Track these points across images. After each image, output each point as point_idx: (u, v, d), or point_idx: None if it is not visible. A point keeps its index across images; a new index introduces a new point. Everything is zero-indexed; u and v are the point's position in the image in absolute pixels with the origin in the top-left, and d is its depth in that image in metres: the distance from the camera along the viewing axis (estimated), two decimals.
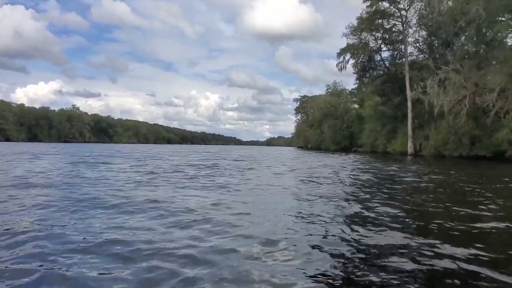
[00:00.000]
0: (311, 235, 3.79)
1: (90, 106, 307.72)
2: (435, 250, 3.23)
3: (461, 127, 26.98)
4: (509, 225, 4.37)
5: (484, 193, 7.55)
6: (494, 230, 4.18)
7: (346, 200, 6.35)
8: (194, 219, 4.34)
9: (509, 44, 20.81)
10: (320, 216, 4.76)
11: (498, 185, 9.40)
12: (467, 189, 8.48)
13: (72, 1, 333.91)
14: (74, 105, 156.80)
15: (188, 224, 4.12)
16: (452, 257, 3.02)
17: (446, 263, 2.90)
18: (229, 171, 12.05)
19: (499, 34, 20.30)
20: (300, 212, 5.03)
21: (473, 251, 3.21)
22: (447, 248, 3.26)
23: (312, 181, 9.34)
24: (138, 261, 2.87)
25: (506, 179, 10.99)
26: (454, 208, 5.53)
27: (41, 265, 2.74)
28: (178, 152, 35.63)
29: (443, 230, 4.06)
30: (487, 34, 23.82)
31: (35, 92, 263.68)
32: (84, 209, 4.87)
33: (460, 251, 3.18)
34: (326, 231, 3.97)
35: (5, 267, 2.71)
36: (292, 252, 3.20)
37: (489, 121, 23.34)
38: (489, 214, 5.10)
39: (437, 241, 3.47)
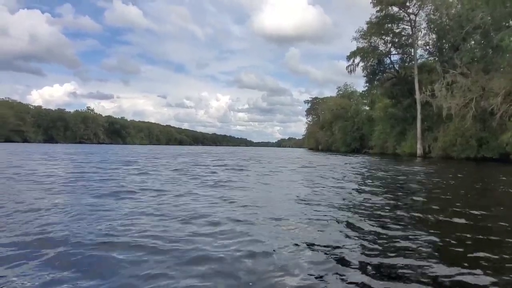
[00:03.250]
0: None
1: (103, 107, 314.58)
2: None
3: (468, 129, 27.68)
4: None
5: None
6: None
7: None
8: None
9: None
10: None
11: None
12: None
13: (86, 5, 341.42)
14: (89, 106, 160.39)
15: None
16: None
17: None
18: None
19: (502, 42, 21.01)
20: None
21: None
22: None
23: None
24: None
25: None
26: None
27: None
28: (212, 153, 36.76)
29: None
30: (494, 38, 24.49)
31: (51, 94, 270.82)
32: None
33: None
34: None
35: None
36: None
37: (494, 124, 24.06)
38: None
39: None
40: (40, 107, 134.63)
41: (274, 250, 3.45)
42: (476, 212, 5.55)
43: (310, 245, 3.64)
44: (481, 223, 4.91)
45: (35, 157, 20.67)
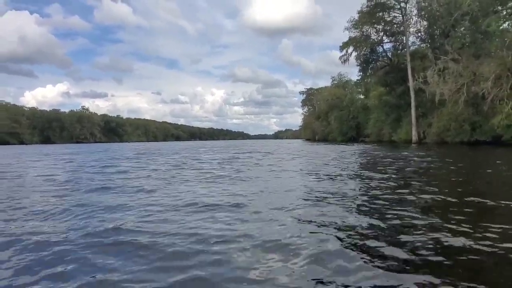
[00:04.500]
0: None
1: (97, 106, 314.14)
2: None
3: (461, 114, 28.23)
4: None
5: None
6: None
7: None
8: None
9: (499, 34, 21.89)
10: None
11: None
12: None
13: (75, 4, 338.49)
14: (84, 106, 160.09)
15: None
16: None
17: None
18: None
19: (489, 27, 21.40)
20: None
21: None
22: None
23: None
24: None
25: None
26: None
27: None
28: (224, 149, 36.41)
29: None
30: (482, 24, 24.92)
31: (44, 95, 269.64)
32: None
33: None
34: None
35: None
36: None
37: (486, 108, 24.62)
38: None
39: None
40: (34, 108, 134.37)
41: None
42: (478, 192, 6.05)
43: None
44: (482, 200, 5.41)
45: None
